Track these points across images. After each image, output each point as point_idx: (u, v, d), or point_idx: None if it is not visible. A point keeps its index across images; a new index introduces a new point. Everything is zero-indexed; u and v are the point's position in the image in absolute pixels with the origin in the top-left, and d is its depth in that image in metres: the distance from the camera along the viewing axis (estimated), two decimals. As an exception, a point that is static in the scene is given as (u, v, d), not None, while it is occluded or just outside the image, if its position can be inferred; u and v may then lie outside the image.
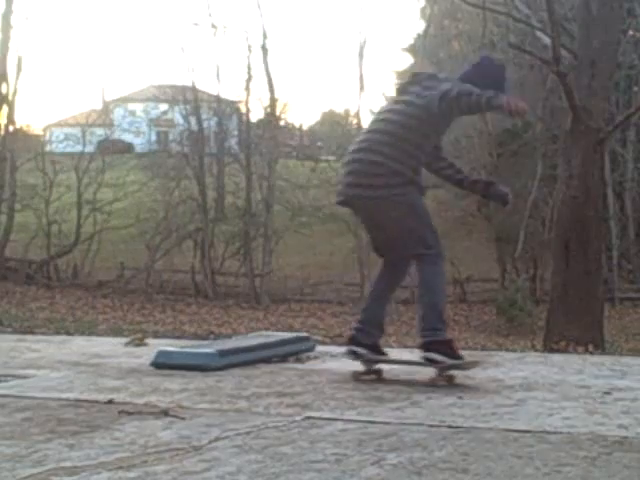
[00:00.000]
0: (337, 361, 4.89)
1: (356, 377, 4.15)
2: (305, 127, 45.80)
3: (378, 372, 4.22)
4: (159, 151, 31.26)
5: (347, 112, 43.81)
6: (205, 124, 29.12)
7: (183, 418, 3.23)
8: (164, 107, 32.89)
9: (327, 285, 25.87)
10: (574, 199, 11.49)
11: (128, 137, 35.58)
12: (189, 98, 28.66)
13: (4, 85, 24.62)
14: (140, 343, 5.39)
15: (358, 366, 4.23)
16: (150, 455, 2.68)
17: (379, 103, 45.94)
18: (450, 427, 3.07)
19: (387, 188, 4.03)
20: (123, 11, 67.43)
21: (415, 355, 4.28)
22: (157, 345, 5.40)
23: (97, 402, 3.58)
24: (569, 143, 11.81)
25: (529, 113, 25.75)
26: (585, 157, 11.46)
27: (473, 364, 4.18)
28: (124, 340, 6.20)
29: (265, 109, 29.91)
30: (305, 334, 5.80)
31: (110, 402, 3.56)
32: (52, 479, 2.43)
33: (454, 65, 28.58)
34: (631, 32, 21.96)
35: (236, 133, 32.33)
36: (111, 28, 74.96)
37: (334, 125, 43.74)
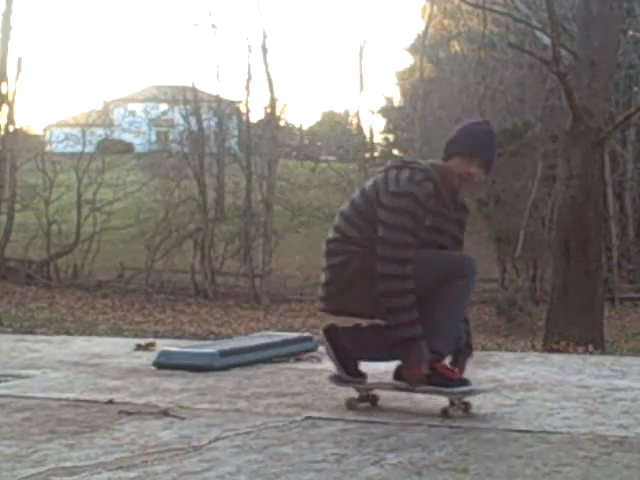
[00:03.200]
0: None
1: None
2: (305, 127, 45.88)
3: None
4: (159, 151, 31.26)
5: (347, 112, 43.90)
6: (205, 124, 29.12)
7: (183, 418, 3.23)
8: (164, 107, 32.90)
9: (327, 285, 25.81)
10: (574, 199, 11.48)
11: (128, 137, 35.60)
12: (189, 98, 28.66)
13: (4, 85, 24.60)
14: (151, 348, 5.40)
15: None
16: (150, 455, 2.68)
17: (379, 103, 46.01)
18: (450, 427, 3.07)
19: None
20: (123, 11, 67.51)
21: None
22: (160, 345, 5.41)
23: (97, 402, 3.58)
24: (569, 143, 11.80)
25: (530, 114, 25.82)
26: (585, 157, 11.45)
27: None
28: (124, 340, 6.20)
29: (265, 109, 29.93)
30: (308, 334, 5.79)
31: (110, 402, 3.56)
32: (52, 479, 2.43)
33: (454, 65, 28.63)
34: (631, 32, 21.97)
35: (236, 133, 32.34)
36: (111, 28, 75.07)
37: (334, 125, 43.77)
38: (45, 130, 37.85)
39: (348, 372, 3.48)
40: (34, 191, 26.14)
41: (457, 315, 3.54)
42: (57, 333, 9.51)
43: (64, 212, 26.11)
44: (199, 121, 28.61)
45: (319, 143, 45.55)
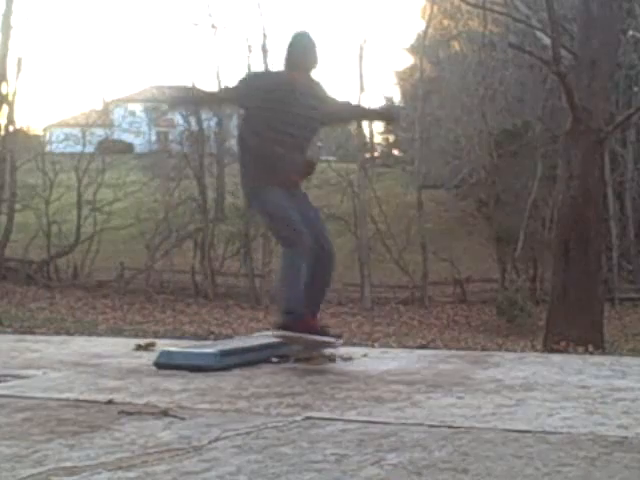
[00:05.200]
0: (336, 361, 4.89)
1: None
2: (305, 127, 45.71)
3: None
4: (159, 151, 31.27)
5: (347, 112, 43.76)
6: (205, 124, 29.13)
7: (183, 418, 3.23)
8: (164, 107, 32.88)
9: (327, 285, 25.81)
10: (574, 199, 11.49)
11: (128, 137, 35.60)
12: (189, 98, 28.61)
13: (4, 85, 24.62)
14: (151, 348, 5.39)
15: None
16: (150, 455, 2.68)
17: (379, 103, 45.97)
18: (450, 427, 3.06)
19: None
20: (123, 11, 67.53)
21: None
22: (160, 345, 5.40)
23: (97, 402, 3.58)
24: (569, 143, 11.81)
25: (530, 114, 25.81)
26: (585, 157, 11.45)
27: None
28: (124, 340, 6.19)
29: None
30: None
31: (110, 402, 3.56)
32: (52, 479, 2.43)
33: (454, 65, 28.62)
34: (631, 32, 22.00)
35: (236, 133, 32.31)
36: (111, 28, 75.08)
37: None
38: (45, 130, 37.88)
39: None
40: (34, 191, 26.16)
41: None
42: (57, 333, 9.52)
43: (64, 212, 26.13)
44: (199, 121, 28.61)
45: (319, 143, 45.52)
